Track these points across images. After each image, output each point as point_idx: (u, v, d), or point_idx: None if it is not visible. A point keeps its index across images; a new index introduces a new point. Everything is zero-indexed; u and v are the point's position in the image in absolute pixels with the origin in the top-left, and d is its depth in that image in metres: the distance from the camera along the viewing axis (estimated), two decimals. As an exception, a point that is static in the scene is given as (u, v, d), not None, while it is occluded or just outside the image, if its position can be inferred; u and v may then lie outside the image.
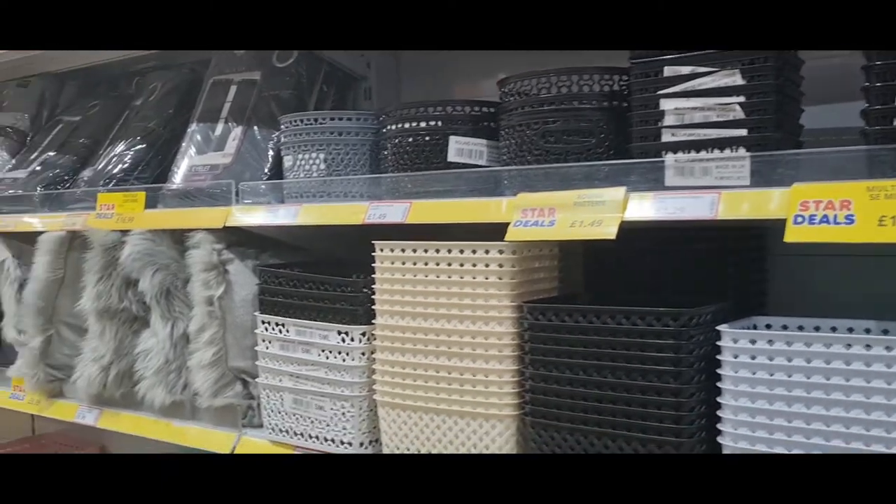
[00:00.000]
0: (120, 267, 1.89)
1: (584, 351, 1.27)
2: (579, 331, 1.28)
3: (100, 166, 2.14)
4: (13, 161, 2.43)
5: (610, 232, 1.21)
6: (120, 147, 2.13)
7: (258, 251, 1.79)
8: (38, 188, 2.21)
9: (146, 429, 1.91)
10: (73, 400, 2.11)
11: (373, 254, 1.48)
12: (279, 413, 1.66)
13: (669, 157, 1.22)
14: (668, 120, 1.23)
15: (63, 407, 2.11)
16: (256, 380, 1.70)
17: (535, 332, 1.32)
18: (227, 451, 1.75)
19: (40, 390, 2.13)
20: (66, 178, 2.24)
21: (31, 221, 2.15)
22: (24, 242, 2.23)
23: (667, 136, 1.23)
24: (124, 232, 1.90)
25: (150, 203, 1.91)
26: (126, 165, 2.07)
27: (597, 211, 1.24)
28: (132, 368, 1.94)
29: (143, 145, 2.10)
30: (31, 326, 2.09)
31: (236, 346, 1.77)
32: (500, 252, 1.36)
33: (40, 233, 2.12)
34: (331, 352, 1.57)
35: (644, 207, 1.21)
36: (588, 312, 1.27)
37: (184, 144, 1.97)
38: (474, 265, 1.38)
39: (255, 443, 1.72)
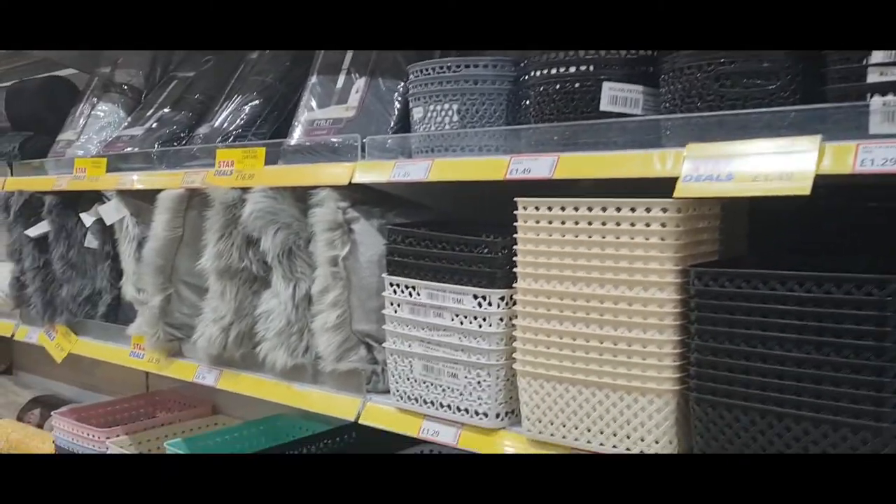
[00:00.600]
0: (241, 226, 1.83)
1: (764, 322, 1.13)
2: (758, 299, 1.13)
3: (216, 122, 2.08)
4: (129, 119, 2.41)
5: (803, 187, 1.06)
6: (236, 102, 2.06)
7: (384, 210, 1.70)
8: (156, 145, 2.17)
9: (267, 391, 1.87)
10: (192, 360, 2.08)
11: (514, 212, 1.37)
12: (407, 380, 1.58)
13: (876, 101, 1.05)
14: (876, 57, 1.06)
15: (182, 366, 2.09)
16: (383, 345, 1.62)
17: (705, 299, 1.19)
18: (351, 416, 1.68)
19: (160, 349, 2.11)
20: (183, 134, 2.20)
21: (148, 179, 2.12)
22: (142, 200, 2.20)
23: (874, 76, 1.06)
24: (244, 189, 1.84)
25: (271, 159, 1.84)
26: (243, 121, 2.01)
27: (784, 163, 1.09)
28: (252, 330, 1.89)
29: (260, 100, 2.02)
30: (151, 285, 2.07)
31: (361, 309, 1.69)
32: (664, 210, 1.23)
33: (158, 191, 2.09)
34: (465, 317, 1.47)
35: (843, 159, 1.05)
36: (770, 279, 1.13)
37: (303, 98, 1.89)
38: (633, 224, 1.25)
39: (380, 409, 1.65)
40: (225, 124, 2.05)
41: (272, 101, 2.03)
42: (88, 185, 2.29)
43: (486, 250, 1.44)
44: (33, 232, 2.45)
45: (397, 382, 1.60)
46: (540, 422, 1.39)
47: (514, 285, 1.40)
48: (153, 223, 2.06)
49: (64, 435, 2.56)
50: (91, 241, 2.42)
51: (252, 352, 1.91)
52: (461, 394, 1.49)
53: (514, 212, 1.37)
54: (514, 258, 1.39)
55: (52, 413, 3.01)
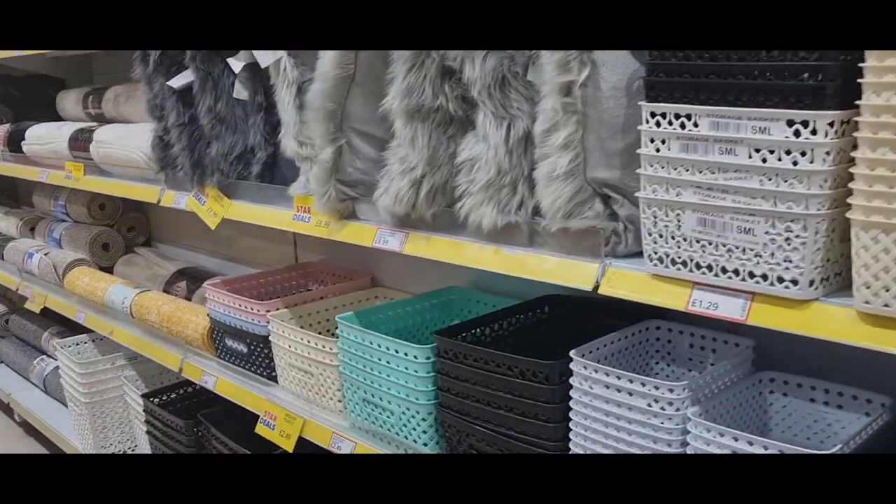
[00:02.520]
0: (437, 55, 1.48)
1: None
2: None
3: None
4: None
5: None
6: None
7: (631, 20, 1.31)
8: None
9: (467, 256, 1.56)
10: (369, 222, 1.79)
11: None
12: (673, 238, 1.23)
13: None
14: None
15: (358, 230, 1.80)
16: (637, 194, 1.27)
17: None
18: (588, 286, 1.35)
19: (331, 210, 1.83)
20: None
21: (310, 9, 1.78)
22: (300, 37, 1.87)
23: None
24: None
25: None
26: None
27: None
28: (448, 183, 1.58)
29: None
30: (319, 135, 1.77)
31: (599, 151, 1.33)
32: None
33: None
34: (772, 151, 1.09)
35: None
36: None
37: None
38: None
39: (629, 275, 1.31)
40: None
41: None
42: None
43: (812, 58, 1.04)
44: (176, 82, 2.18)
45: (656, 242, 1.25)
46: (888, 290, 1.01)
47: (856, 103, 1.01)
48: (319, 61, 1.73)
49: (219, 307, 2.36)
50: (240, 92, 2.13)
51: (447, 210, 1.60)
52: (758, 255, 1.13)
53: None
54: (857, 65, 0.99)
55: (202, 284, 2.86)
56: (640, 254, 1.33)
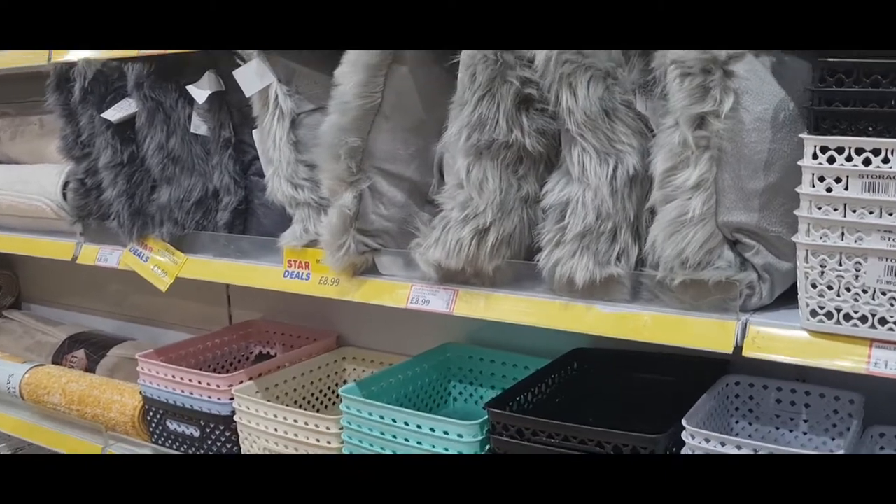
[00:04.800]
0: (516, 80, 1.25)
1: None
2: None
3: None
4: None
5: None
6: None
7: (769, 43, 1.15)
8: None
9: (551, 316, 1.32)
10: (395, 277, 1.52)
11: None
12: (847, 290, 1.07)
13: None
14: None
15: (383, 288, 1.51)
16: (796, 239, 1.10)
17: None
18: (725, 348, 1.16)
19: (347, 265, 1.53)
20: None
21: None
22: (295, 60, 1.58)
23: None
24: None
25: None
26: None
27: None
28: (515, 231, 1.35)
29: None
30: (335, 177, 1.47)
31: (736, 191, 1.16)
32: None
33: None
34: None
35: None
36: None
37: None
38: None
39: (779, 336, 1.14)
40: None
41: None
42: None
43: None
44: (115, 114, 1.79)
45: (823, 296, 1.09)
46: None
47: None
48: (340, 87, 1.44)
49: (158, 383, 1.97)
50: (199, 126, 1.79)
51: (510, 263, 1.37)
52: (973, 308, 1.00)
53: None
54: None
55: (107, 353, 2.42)
56: (770, 307, 1.17)
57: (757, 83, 1.12)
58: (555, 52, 1.19)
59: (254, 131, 1.70)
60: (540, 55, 1.20)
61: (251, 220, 1.78)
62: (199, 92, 1.72)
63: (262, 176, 1.73)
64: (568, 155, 1.26)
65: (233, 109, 1.75)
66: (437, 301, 1.44)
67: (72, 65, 1.85)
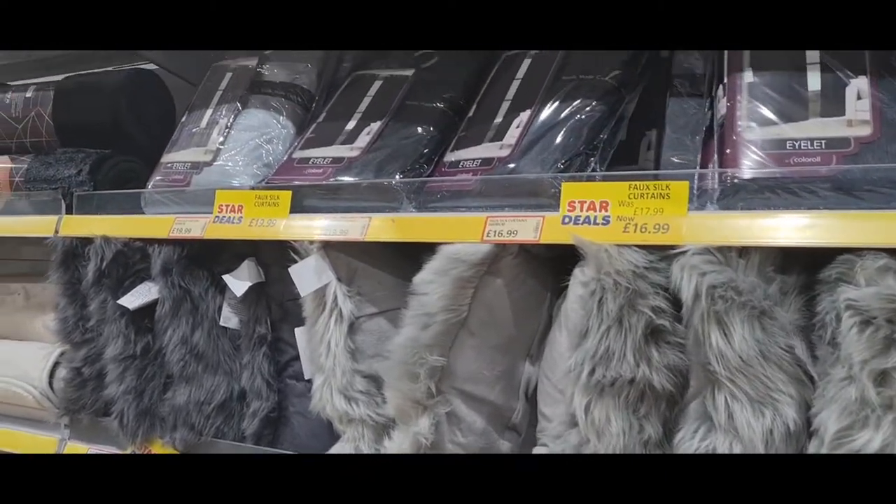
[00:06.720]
0: (648, 309, 1.09)
1: None
2: None
3: (508, 139, 1.33)
4: (309, 134, 1.59)
5: None
6: (550, 110, 1.33)
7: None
8: (397, 175, 1.39)
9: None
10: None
11: None
12: None
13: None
14: None
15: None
16: None
17: None
18: None
19: (414, 502, 1.29)
20: (430, 158, 1.43)
21: (391, 226, 1.33)
22: (359, 259, 1.41)
23: None
24: (646, 248, 1.11)
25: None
26: (576, 137, 1.28)
27: None
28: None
29: (599, 105, 1.30)
30: (408, 398, 1.27)
31: (922, 459, 0.99)
32: None
33: (396, 245, 1.33)
34: None
35: None
36: None
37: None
38: None
39: None
40: (527, 141, 1.31)
41: (616, 110, 1.31)
42: (247, 232, 1.46)
43: None
44: (133, 301, 1.57)
45: None
46: None
47: None
48: (421, 299, 1.26)
49: None
50: (229, 318, 1.57)
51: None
52: None
53: None
54: None
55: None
56: None
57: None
58: (705, 285, 1.04)
59: (297, 330, 1.50)
60: (689, 289, 1.05)
61: (283, 430, 1.53)
62: (237, 283, 1.51)
63: (300, 380, 1.52)
64: (709, 398, 1.08)
65: (272, 303, 1.54)
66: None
67: (83, 240, 1.64)
